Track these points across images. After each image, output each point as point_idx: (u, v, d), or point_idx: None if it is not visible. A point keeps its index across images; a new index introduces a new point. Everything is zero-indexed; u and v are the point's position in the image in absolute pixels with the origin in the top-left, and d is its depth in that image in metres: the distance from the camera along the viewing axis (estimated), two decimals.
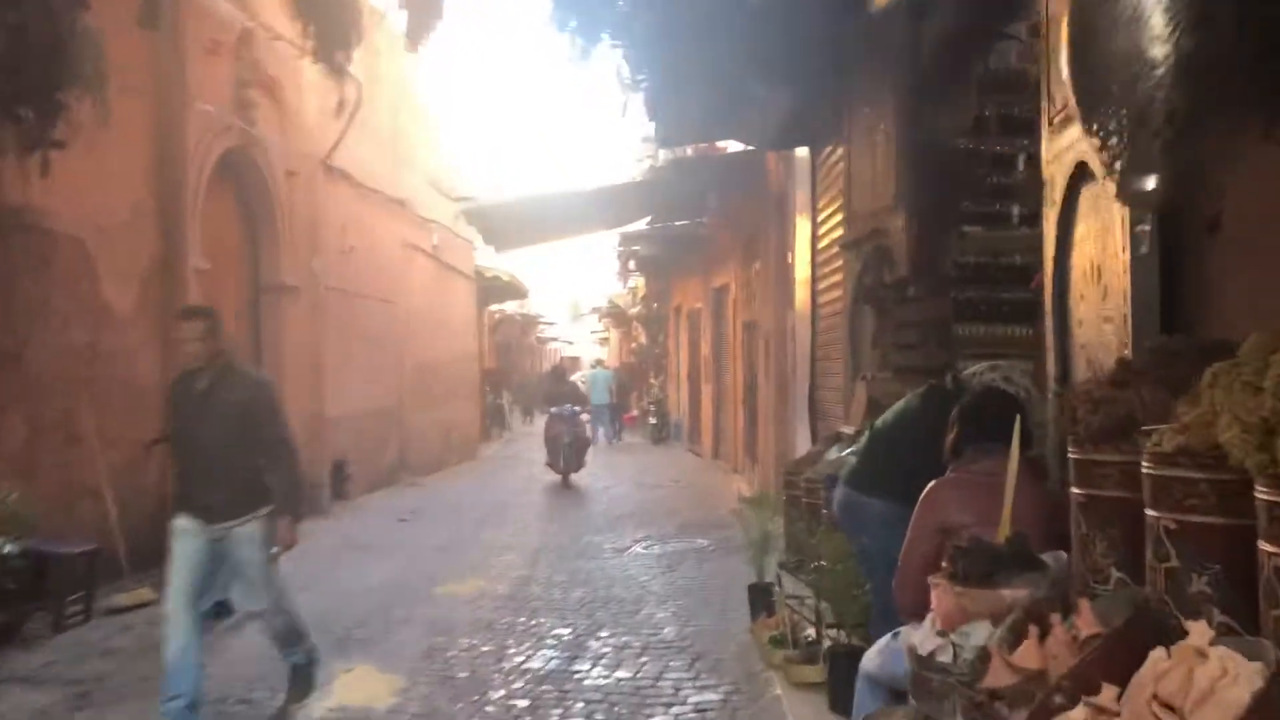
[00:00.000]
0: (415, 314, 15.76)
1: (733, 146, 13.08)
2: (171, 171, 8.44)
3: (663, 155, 13.49)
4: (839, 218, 7.25)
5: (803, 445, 8.98)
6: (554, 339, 61.23)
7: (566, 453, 15.22)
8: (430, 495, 14.35)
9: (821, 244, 8.19)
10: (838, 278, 7.38)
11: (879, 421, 4.49)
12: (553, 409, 15.60)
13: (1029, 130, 5.16)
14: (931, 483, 3.24)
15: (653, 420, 23.58)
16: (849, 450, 5.67)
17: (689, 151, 12.98)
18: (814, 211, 8.43)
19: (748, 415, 14.08)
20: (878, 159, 5.75)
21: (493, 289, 22.30)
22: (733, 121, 8.81)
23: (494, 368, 27.81)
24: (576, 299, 52.84)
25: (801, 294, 9.02)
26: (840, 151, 7.17)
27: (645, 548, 9.94)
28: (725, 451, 17.48)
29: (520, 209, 12.50)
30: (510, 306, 39.80)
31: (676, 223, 18.27)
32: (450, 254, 17.92)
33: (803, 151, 9.08)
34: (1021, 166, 5.18)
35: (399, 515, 12.14)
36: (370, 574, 8.76)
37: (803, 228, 9.00)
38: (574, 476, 15.49)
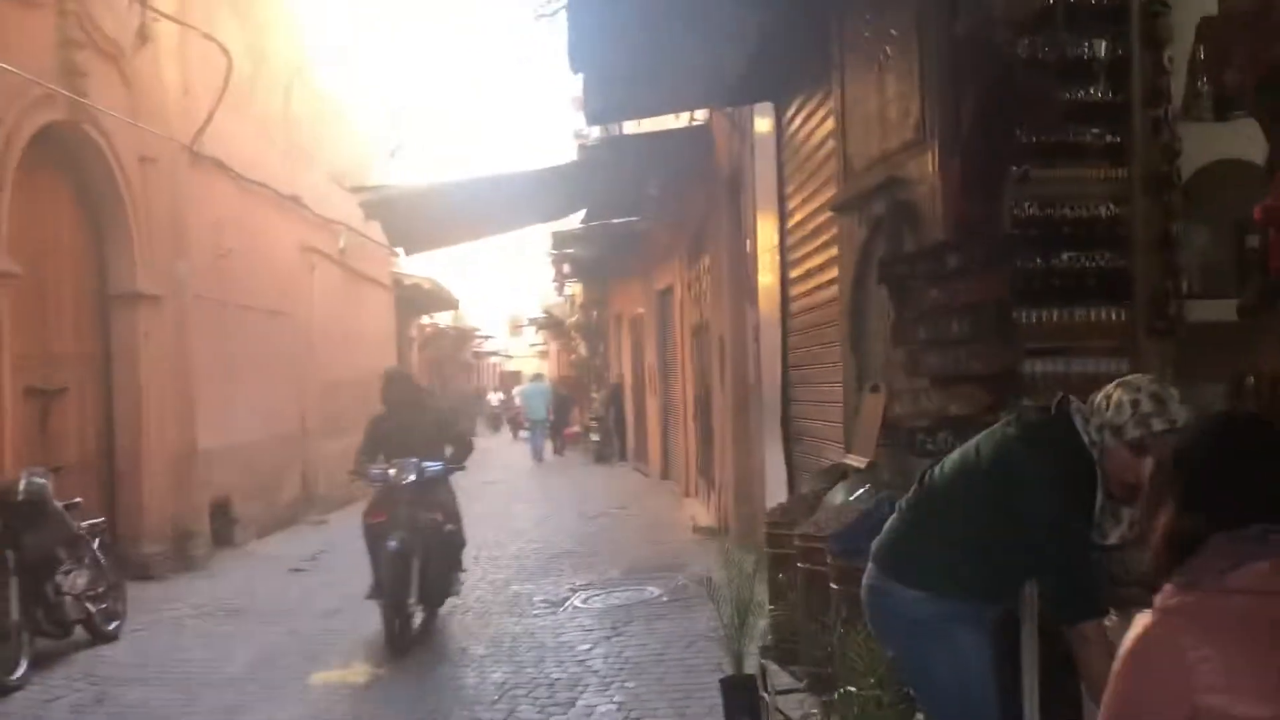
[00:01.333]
0: (319, 327, 13.85)
1: (674, 124, 11.44)
2: None
3: (596, 136, 11.78)
4: (819, 183, 5.61)
5: (773, 472, 7.33)
6: (493, 353, 59.26)
7: (398, 570, 6.77)
8: (337, 535, 12.39)
9: (792, 221, 6.55)
10: (817, 260, 5.73)
11: (935, 473, 2.83)
12: (375, 470, 7.10)
13: (1117, 18, 3.56)
14: (1144, 620, 1.55)
15: (594, 437, 21.82)
16: (868, 496, 4.00)
17: (624, 131, 11.30)
18: (780, 184, 6.80)
19: (701, 432, 12.40)
20: (889, 81, 4.10)
21: (414, 299, 20.36)
22: (674, 75, 7.13)
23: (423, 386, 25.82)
24: (515, 311, 50.79)
25: (767, 287, 7.37)
26: (817, 101, 5.54)
27: (585, 600, 8.18)
28: (675, 472, 15.78)
29: (430, 200, 10.71)
30: (443, 320, 37.87)
31: (613, 220, 16.65)
32: (361, 259, 16.01)
33: (764, 120, 7.44)
34: (1104, 75, 3.60)
35: (294, 564, 10.24)
36: (235, 653, 6.89)
37: (765, 207, 7.36)
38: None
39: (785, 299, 6.75)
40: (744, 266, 8.69)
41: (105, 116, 8.42)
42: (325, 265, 14.24)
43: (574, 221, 18.97)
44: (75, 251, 8.63)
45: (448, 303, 23.91)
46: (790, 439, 6.72)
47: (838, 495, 4.21)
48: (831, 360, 5.32)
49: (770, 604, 4.45)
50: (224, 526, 10.50)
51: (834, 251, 5.05)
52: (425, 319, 34.28)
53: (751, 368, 8.45)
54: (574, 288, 26.98)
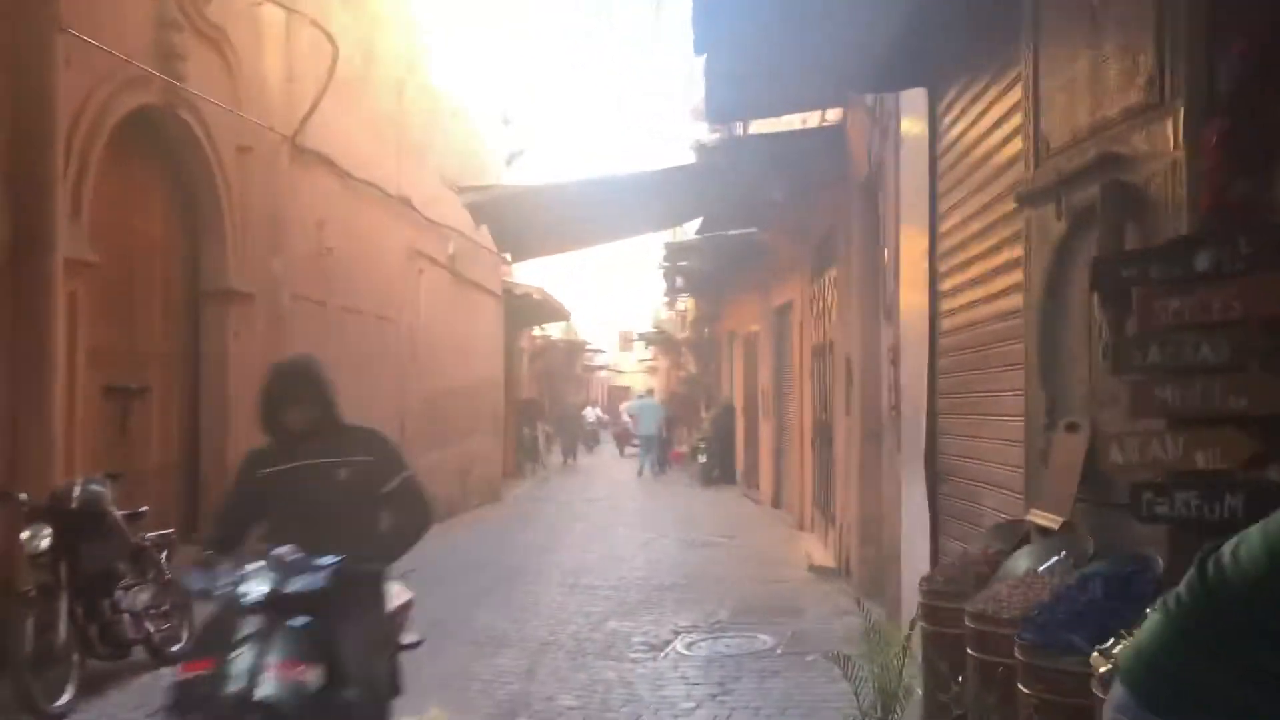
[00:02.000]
0: (424, 334, 13.37)
1: (801, 126, 10.55)
2: (27, 122, 6.08)
3: (715, 139, 10.98)
4: (988, 175, 4.68)
5: (912, 514, 6.36)
6: (602, 368, 59.00)
7: None
8: (433, 551, 11.74)
9: (947, 225, 5.61)
10: (982, 268, 4.79)
11: (1226, 562, 1.89)
12: (200, 577, 3.60)
13: None
14: None
15: (702, 459, 20.94)
16: (1064, 568, 3.08)
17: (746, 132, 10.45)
18: (931, 182, 5.86)
19: (819, 461, 11.44)
20: (1106, 32, 3.18)
21: (523, 309, 19.87)
22: (808, 60, 6.28)
23: (529, 398, 25.38)
24: (625, 325, 50.34)
25: (910, 302, 6.42)
26: (991, 76, 4.62)
27: (689, 645, 7.32)
28: (788, 500, 14.80)
29: (539, 202, 10.08)
30: (554, 332, 37.58)
31: (730, 232, 15.82)
32: (471, 267, 15.54)
33: (912, 112, 6.52)
34: None
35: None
36: None
37: (911, 210, 6.42)
38: (607, 522, 12.92)
39: (934, 316, 5.81)
40: (880, 280, 7.75)
41: (203, 102, 8.00)
42: (433, 271, 13.77)
43: (688, 232, 18.25)
44: (166, 244, 8.23)
45: (558, 314, 23.41)
46: (937, 478, 5.75)
47: (1020, 562, 3.28)
48: (1001, 388, 4.37)
49: (925, 695, 3.53)
50: None
51: (1011, 254, 4.12)
52: (536, 331, 34.08)
53: (886, 393, 7.50)
54: (686, 302, 26.21)
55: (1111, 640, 2.55)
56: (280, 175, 9.24)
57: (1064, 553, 3.13)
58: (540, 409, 25.64)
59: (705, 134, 11.16)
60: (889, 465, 7.46)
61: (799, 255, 12.84)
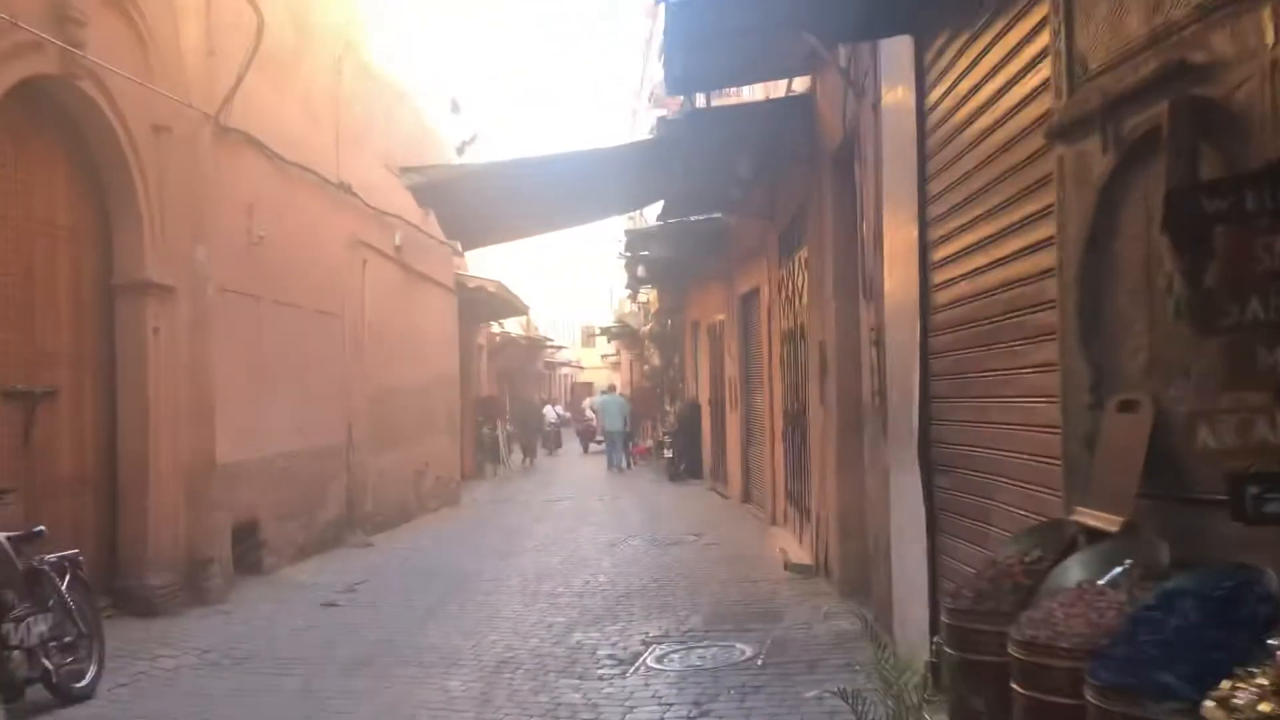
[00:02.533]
0: (371, 329, 12.61)
1: (763, 97, 9.95)
2: None
3: (676, 114, 10.33)
4: (995, 117, 4.07)
5: (902, 508, 5.76)
6: (564, 364, 58.28)
7: None
8: (384, 560, 11.15)
9: (939, 185, 5.00)
10: (992, 227, 4.17)
11: None
12: None
13: None
14: None
15: (668, 453, 20.32)
16: (1132, 579, 2.48)
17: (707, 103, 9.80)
18: (920, 140, 5.25)
19: (791, 453, 10.85)
20: None
21: (478, 303, 19.12)
22: (779, 10, 5.66)
23: (488, 396, 24.62)
24: (587, 320, 49.62)
25: (896, 277, 5.82)
26: (996, 4, 4.01)
27: (660, 659, 6.68)
28: (758, 494, 14.22)
29: (488, 183, 9.38)
30: (513, 328, 36.80)
31: (692, 217, 15.21)
32: (420, 258, 14.77)
33: (895, 66, 5.91)
34: None
35: (327, 596, 8.92)
36: (227, 718, 5.58)
37: (895, 175, 5.82)
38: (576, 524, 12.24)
39: (925, 290, 5.20)
40: (858, 257, 7.15)
41: (108, 74, 7.23)
42: (379, 262, 13.00)
43: (650, 219, 17.62)
44: (72, 232, 7.44)
45: (516, 308, 22.66)
46: (933, 470, 5.15)
47: (1071, 573, 2.66)
48: (1018, 365, 3.76)
49: None
50: (249, 551, 9.24)
51: (1033, 206, 3.51)
52: (495, 327, 33.28)
53: (868, 378, 6.90)
54: (648, 294, 25.59)
55: (1225, 682, 1.95)
56: (202, 157, 8.46)
57: (1129, 561, 2.52)
58: (499, 407, 24.87)
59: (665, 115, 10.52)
60: (872, 456, 6.86)
61: (765, 238, 12.25)
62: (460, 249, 11.91)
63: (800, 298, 10.06)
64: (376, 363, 12.75)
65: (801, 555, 9.78)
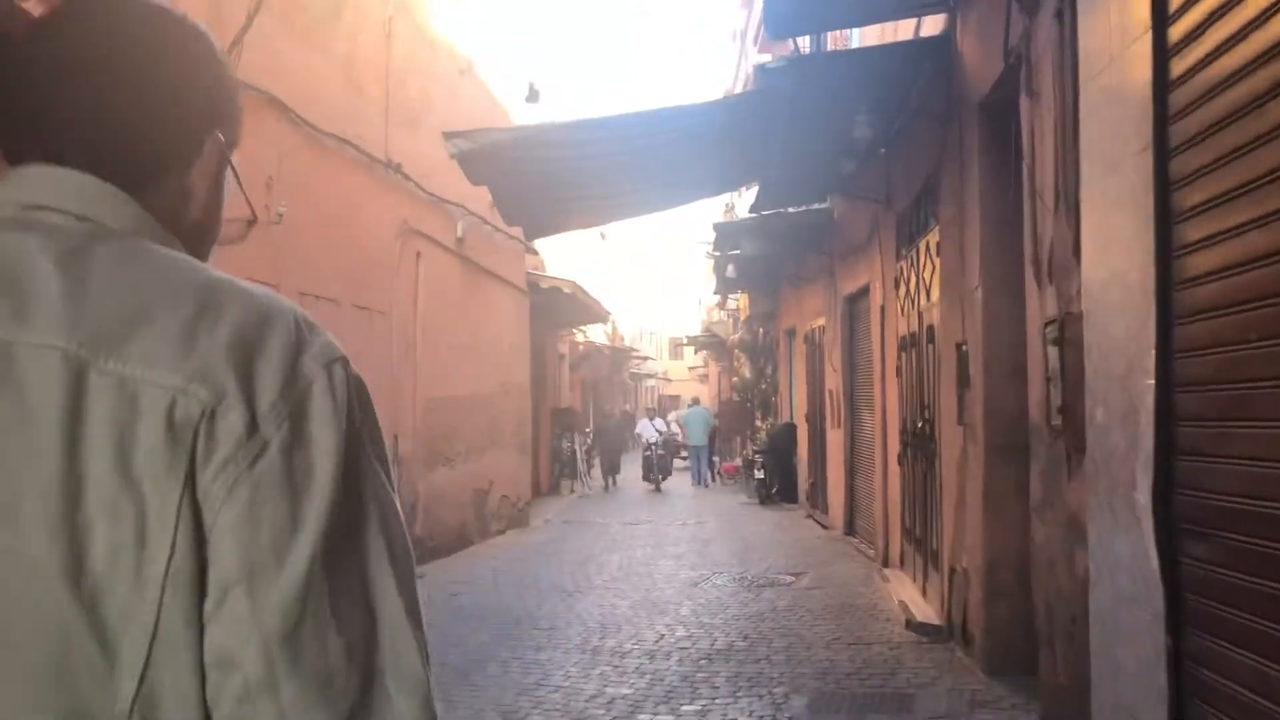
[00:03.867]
0: (425, 330, 11.14)
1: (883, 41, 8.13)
2: None
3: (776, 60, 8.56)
4: None
5: (1116, 579, 3.91)
6: (650, 375, 56.85)
7: None
8: (428, 596, 9.52)
9: (1190, 91, 3.19)
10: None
11: None
12: None
13: None
14: None
15: (759, 474, 18.49)
16: None
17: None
18: (1160, 23, 3.44)
19: (911, 481, 8.99)
20: None
21: (553, 305, 17.58)
22: None
23: (565, 407, 23.10)
24: (675, 330, 47.98)
25: (1109, 246, 3.99)
26: None
27: None
28: (864, 527, 12.34)
29: (550, 149, 7.79)
30: (596, 337, 35.41)
31: (789, 210, 13.44)
32: (486, 253, 13.30)
33: None
34: None
35: None
36: None
37: (1106, 101, 4.00)
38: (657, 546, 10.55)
39: (1166, 252, 3.40)
40: (1023, 228, 5.32)
41: None
42: (436, 255, 11.55)
43: (741, 212, 15.94)
44: None
45: (596, 314, 21.11)
46: (1178, 530, 3.33)
47: None
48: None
49: None
50: None
51: None
52: (580, 336, 31.85)
53: (1037, 390, 5.06)
54: (738, 300, 23.82)
55: None
56: None
57: None
58: (579, 419, 23.31)
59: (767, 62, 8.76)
60: (1046, 495, 5.03)
61: (877, 228, 10.43)
62: (527, 241, 10.34)
63: (926, 293, 8.23)
64: (431, 368, 11.27)
65: (926, 611, 7.93)
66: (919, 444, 8.61)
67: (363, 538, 0.84)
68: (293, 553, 0.78)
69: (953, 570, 7.22)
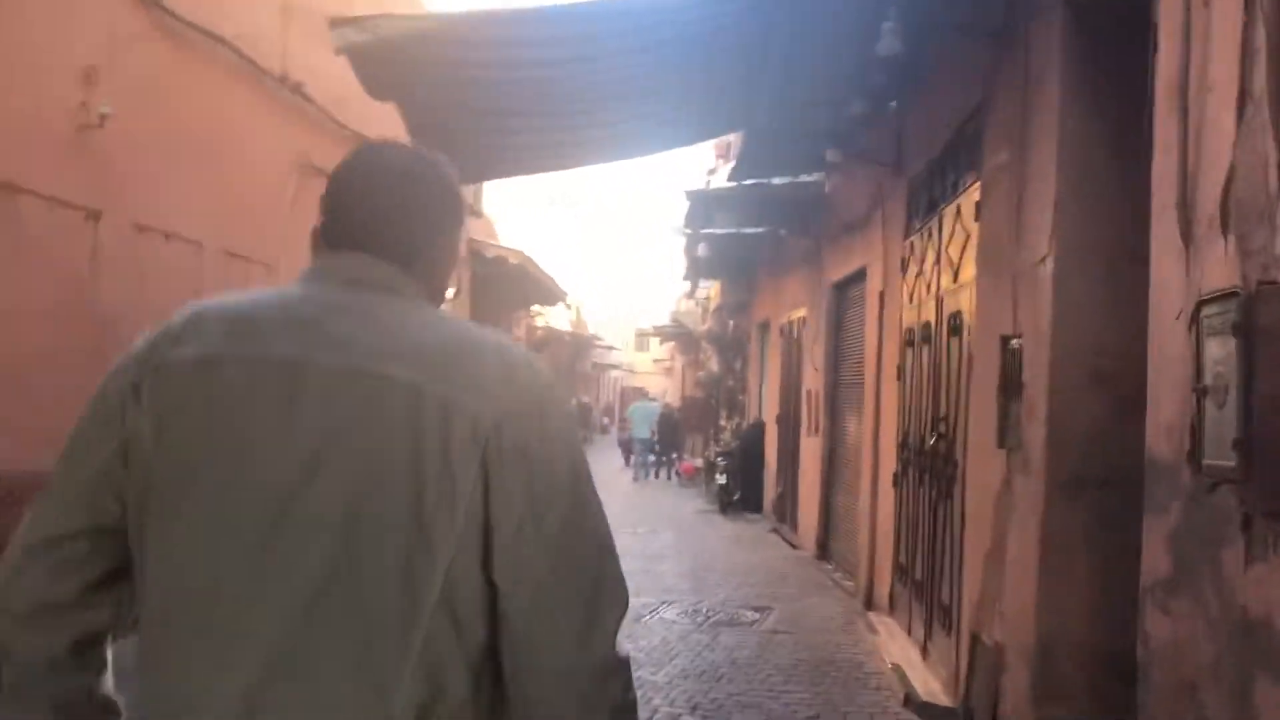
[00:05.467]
0: None
1: None
2: None
3: None
4: None
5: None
6: (614, 366, 54.97)
7: None
8: None
9: None
10: None
11: None
12: None
13: None
14: None
15: (721, 478, 16.66)
16: None
17: None
18: None
19: (914, 509, 7.14)
20: None
21: (502, 279, 15.57)
22: None
23: None
24: (641, 320, 46.06)
25: None
26: None
27: None
28: (843, 555, 10.53)
29: (478, 51, 5.87)
30: (562, 323, 33.46)
31: (775, 181, 11.61)
32: None
33: None
34: None
35: None
36: None
37: None
38: None
39: None
40: (1177, 153, 3.47)
41: None
42: None
43: (720, 179, 14.15)
44: None
45: (550, 292, 19.13)
46: None
47: None
48: None
49: None
50: None
51: None
52: (540, 320, 29.87)
53: (1171, 409, 3.23)
54: (710, 287, 21.97)
55: None
56: None
57: None
58: None
59: None
60: (1182, 571, 3.19)
61: (881, 199, 8.61)
62: (462, 184, 8.46)
63: (953, 272, 6.39)
64: None
65: (930, 683, 6.10)
66: (928, 465, 6.78)
67: (587, 493, 1.38)
68: (557, 499, 1.32)
69: (976, 639, 5.39)
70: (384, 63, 6.04)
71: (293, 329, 1.32)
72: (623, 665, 1.40)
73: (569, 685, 1.33)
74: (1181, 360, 3.16)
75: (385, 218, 1.43)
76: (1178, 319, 3.20)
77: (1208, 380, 2.93)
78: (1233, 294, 2.82)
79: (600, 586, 1.36)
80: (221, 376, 1.29)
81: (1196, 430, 3.00)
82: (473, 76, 6.34)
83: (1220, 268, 2.94)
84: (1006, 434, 5.00)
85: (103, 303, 5.96)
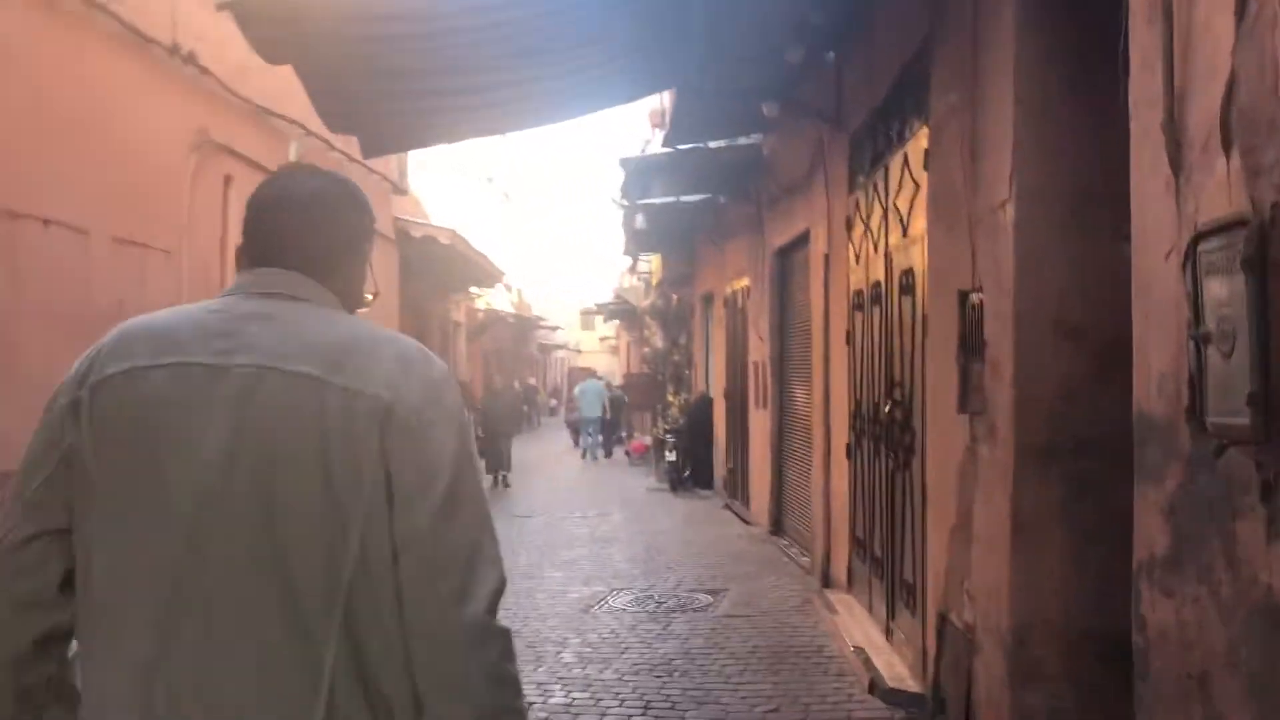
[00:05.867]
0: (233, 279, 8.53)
1: None
2: None
3: None
4: None
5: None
6: (560, 347, 54.40)
7: None
8: None
9: None
10: None
11: None
12: None
13: None
14: None
15: (671, 455, 16.25)
16: None
17: None
18: None
19: (869, 482, 6.75)
20: None
21: (435, 260, 14.94)
22: None
23: (460, 381, 20.45)
24: (585, 300, 45.43)
25: None
26: None
27: None
28: (797, 530, 10.17)
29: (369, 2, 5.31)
30: (503, 305, 32.79)
31: (711, 144, 11.15)
32: None
33: None
34: None
35: None
36: None
37: None
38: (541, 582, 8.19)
39: None
40: (1163, 66, 3.04)
41: None
42: (255, 183, 8.89)
43: (657, 145, 13.73)
44: None
45: (485, 272, 18.51)
46: None
47: None
48: None
49: None
50: None
51: None
52: (480, 303, 29.18)
53: (1166, 360, 2.82)
54: (651, 263, 21.50)
55: None
56: None
57: None
58: (470, 395, 20.70)
59: None
60: (1182, 546, 2.78)
61: (822, 156, 8.19)
62: (365, 158, 7.81)
63: (902, 227, 5.97)
64: None
65: (896, 667, 5.73)
66: (883, 434, 6.38)
67: (469, 472, 1.53)
68: (440, 473, 1.47)
69: (944, 619, 5.01)
70: (273, 20, 5.46)
71: (210, 338, 1.48)
72: (500, 633, 1.50)
73: (447, 645, 1.45)
74: (1175, 305, 2.75)
75: (296, 234, 1.60)
76: (1168, 258, 2.79)
77: (1209, 326, 2.52)
78: (1238, 223, 2.40)
79: (476, 557, 1.48)
80: (148, 384, 1.46)
81: (1197, 384, 2.59)
82: (375, 33, 5.78)
83: (1220, 194, 2.53)
84: (968, 398, 4.60)
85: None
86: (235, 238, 6.32)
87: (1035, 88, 4.07)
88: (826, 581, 8.13)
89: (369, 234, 1.74)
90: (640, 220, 14.35)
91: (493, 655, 1.48)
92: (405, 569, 1.44)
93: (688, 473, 16.01)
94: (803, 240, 9.42)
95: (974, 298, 4.56)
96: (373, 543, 1.43)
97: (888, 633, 6.24)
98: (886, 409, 6.27)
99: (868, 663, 5.85)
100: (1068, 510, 4.01)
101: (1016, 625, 4.10)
